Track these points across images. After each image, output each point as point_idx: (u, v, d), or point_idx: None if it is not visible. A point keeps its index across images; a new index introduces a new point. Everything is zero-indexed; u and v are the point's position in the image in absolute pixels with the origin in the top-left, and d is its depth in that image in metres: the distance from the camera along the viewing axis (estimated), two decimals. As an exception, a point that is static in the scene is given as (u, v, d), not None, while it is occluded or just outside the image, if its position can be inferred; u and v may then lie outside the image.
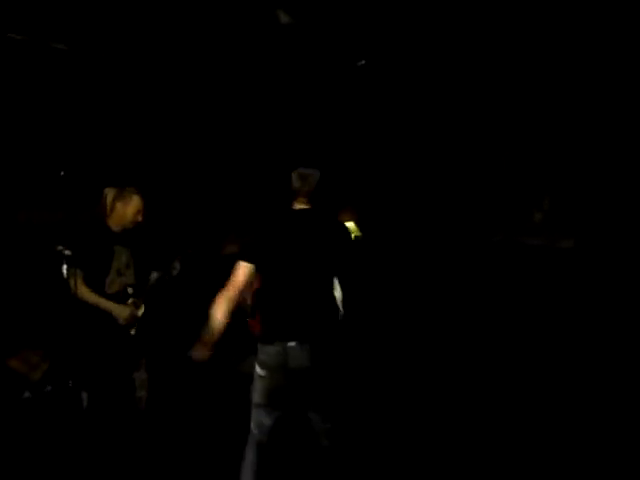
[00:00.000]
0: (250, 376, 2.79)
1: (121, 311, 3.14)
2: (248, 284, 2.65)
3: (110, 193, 3.25)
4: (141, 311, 3.26)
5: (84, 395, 3.03)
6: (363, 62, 3.20)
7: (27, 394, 3.35)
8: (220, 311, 2.53)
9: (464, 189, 4.46)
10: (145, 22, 2.92)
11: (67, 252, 2.80)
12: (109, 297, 3.14)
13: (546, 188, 4.25)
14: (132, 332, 3.20)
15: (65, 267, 2.73)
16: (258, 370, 2.58)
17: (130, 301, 3.20)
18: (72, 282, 2.96)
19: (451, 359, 4.11)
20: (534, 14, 2.92)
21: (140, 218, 3.27)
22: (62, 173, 3.88)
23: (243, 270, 2.56)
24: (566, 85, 3.72)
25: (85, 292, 3.06)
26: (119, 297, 3.16)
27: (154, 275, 3.39)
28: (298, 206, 2.64)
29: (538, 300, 3.94)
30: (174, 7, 2.75)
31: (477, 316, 4.14)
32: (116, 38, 3.17)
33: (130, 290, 3.20)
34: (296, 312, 2.53)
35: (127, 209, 3.22)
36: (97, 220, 3.25)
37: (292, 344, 2.46)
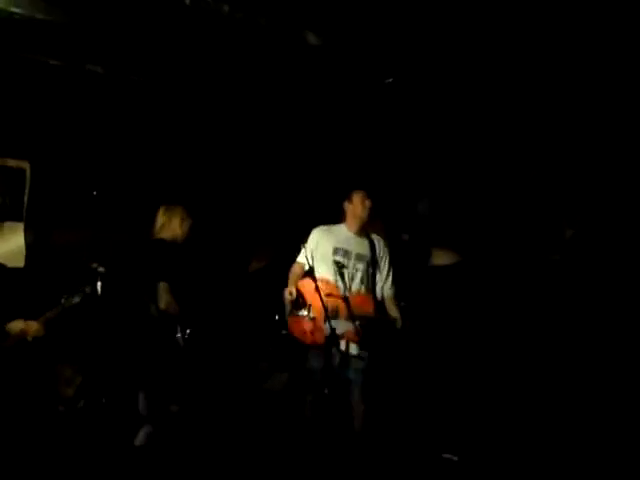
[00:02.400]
0: (276, 394, 2.79)
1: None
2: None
3: (165, 211, 3.47)
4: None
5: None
6: (391, 80, 3.22)
7: (61, 408, 3.40)
8: None
9: (518, 204, 4.38)
10: (179, 46, 3.00)
11: (101, 269, 2.86)
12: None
13: (577, 205, 4.17)
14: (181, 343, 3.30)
15: (99, 284, 2.79)
16: None
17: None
18: (159, 295, 3.15)
19: (508, 376, 4.01)
20: (560, 34, 2.90)
21: (188, 231, 3.46)
22: (94, 193, 4.01)
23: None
24: (609, 105, 3.67)
25: (172, 301, 3.21)
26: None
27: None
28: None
29: (568, 317, 3.85)
30: (206, 30, 2.82)
31: (533, 334, 4.04)
32: (150, 61, 3.27)
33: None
34: None
35: (182, 226, 3.42)
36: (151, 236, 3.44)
37: None
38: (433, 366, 4.06)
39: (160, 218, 3.47)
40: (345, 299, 3.09)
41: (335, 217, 3.46)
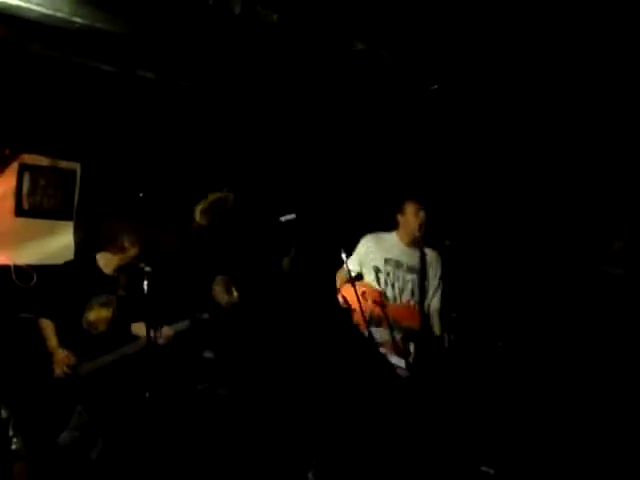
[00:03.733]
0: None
1: None
2: None
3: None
4: None
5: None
6: (436, 86, 3.21)
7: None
8: None
9: (544, 216, 4.31)
10: (229, 53, 3.06)
11: (147, 269, 2.95)
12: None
13: (625, 216, 4.08)
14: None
15: (146, 283, 2.88)
16: None
17: None
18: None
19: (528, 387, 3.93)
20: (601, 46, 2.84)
21: None
22: (141, 194, 4.12)
23: None
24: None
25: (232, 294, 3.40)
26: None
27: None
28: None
29: (618, 331, 3.75)
30: (256, 38, 2.87)
31: (558, 347, 3.96)
32: (200, 67, 3.35)
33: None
34: None
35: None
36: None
37: None
38: (475, 379, 4.01)
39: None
40: (389, 309, 3.10)
41: (387, 224, 3.46)
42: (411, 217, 3.24)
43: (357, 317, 3.10)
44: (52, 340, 3.03)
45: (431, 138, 4.29)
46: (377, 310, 3.11)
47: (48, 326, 3.06)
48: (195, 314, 3.32)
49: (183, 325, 3.28)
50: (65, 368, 2.97)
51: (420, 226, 3.23)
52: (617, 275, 3.90)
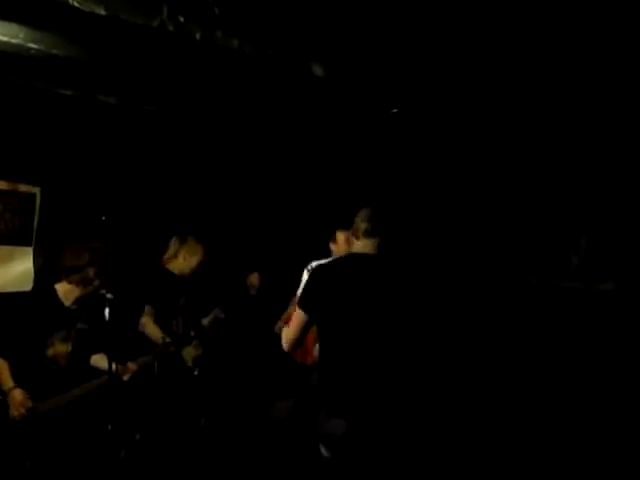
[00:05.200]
0: (280, 422, 2.78)
1: (187, 352, 3.36)
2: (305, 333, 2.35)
3: (176, 241, 3.55)
4: (200, 351, 3.45)
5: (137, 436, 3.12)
6: (395, 110, 3.28)
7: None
8: None
9: (498, 231, 4.43)
10: (190, 78, 3.08)
11: (109, 296, 2.90)
12: (175, 338, 3.34)
13: (582, 228, 4.19)
14: (195, 372, 3.36)
15: (107, 311, 2.82)
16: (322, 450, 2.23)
17: (194, 343, 3.39)
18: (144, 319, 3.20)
19: (482, 404, 4.00)
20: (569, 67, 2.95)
21: (199, 269, 3.54)
22: (103, 218, 4.07)
23: (297, 319, 2.30)
24: (602, 125, 3.72)
25: (153, 329, 3.30)
26: (185, 338, 3.37)
27: (205, 320, 3.63)
28: (362, 250, 2.35)
29: (576, 345, 3.84)
30: (216, 62, 2.89)
31: (513, 361, 4.05)
32: (161, 92, 3.35)
33: (192, 332, 3.38)
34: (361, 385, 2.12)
35: (191, 259, 3.52)
36: (160, 264, 3.54)
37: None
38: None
39: (171, 248, 3.58)
40: None
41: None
42: (342, 245, 3.32)
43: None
44: (7, 382, 2.85)
45: (390, 162, 4.39)
46: None
47: (2, 366, 2.88)
48: (158, 347, 3.26)
49: (147, 359, 3.20)
50: (21, 409, 2.83)
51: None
52: (575, 289, 4.01)
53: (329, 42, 2.94)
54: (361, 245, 2.38)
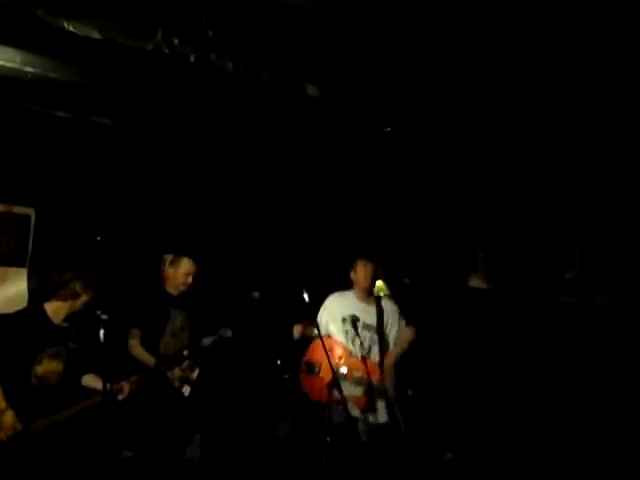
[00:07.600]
0: (283, 442, 2.76)
1: (174, 372, 3.33)
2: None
3: (167, 259, 3.54)
4: (195, 374, 3.39)
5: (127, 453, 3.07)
6: (389, 129, 3.32)
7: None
8: None
9: (493, 245, 4.46)
10: (185, 100, 3.11)
11: (104, 317, 2.87)
12: (163, 358, 3.30)
13: (577, 243, 4.22)
14: (186, 394, 3.31)
15: (102, 332, 2.80)
16: None
17: (185, 364, 3.34)
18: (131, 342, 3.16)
19: (478, 415, 3.99)
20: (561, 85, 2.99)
21: (190, 280, 3.52)
22: (98, 238, 4.06)
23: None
24: (596, 140, 3.76)
25: (140, 351, 3.26)
26: (175, 358, 3.32)
27: (207, 340, 3.58)
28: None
29: (571, 359, 3.85)
30: (210, 84, 2.93)
31: (509, 374, 4.05)
32: (156, 114, 3.38)
33: (186, 352, 3.33)
34: None
35: (177, 273, 3.50)
36: (155, 284, 3.51)
37: None
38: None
39: (162, 269, 3.58)
40: (354, 364, 3.31)
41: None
42: (361, 273, 3.40)
43: (323, 372, 3.20)
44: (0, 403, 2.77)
45: (384, 180, 4.43)
46: (342, 364, 3.29)
47: None
48: (153, 367, 3.22)
49: (139, 378, 3.15)
50: (10, 432, 2.74)
51: (370, 279, 3.44)
52: (570, 303, 4.03)
53: (323, 62, 2.99)
54: None
